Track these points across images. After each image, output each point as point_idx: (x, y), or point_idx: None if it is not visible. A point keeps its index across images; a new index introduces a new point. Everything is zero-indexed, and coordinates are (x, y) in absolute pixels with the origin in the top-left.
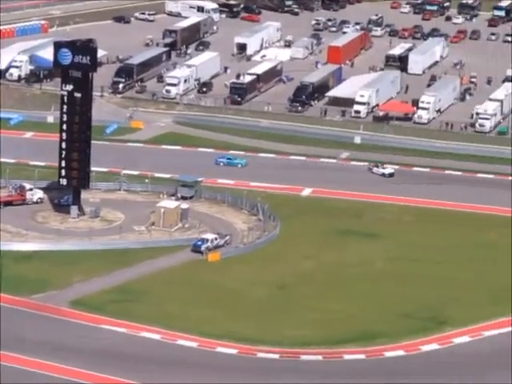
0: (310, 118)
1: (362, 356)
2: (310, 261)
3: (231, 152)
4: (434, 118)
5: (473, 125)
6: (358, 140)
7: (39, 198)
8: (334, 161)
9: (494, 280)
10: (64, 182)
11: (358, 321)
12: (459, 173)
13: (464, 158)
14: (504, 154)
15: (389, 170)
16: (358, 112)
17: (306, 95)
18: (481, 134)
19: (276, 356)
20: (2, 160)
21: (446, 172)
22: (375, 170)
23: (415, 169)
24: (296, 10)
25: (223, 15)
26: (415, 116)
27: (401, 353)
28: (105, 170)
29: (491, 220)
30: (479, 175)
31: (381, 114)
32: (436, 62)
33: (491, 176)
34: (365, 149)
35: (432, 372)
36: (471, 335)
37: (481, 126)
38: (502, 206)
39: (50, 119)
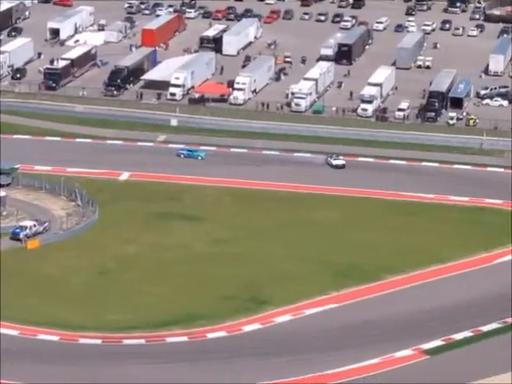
0: (125, 102)
1: (185, 338)
2: (131, 245)
3: (47, 138)
4: (249, 99)
5: (288, 104)
6: (174, 123)
7: None
8: (151, 144)
9: (315, 258)
10: None
11: (180, 304)
12: (277, 152)
13: (281, 137)
14: (319, 133)
15: (339, 161)
16: (173, 94)
17: (121, 79)
18: (297, 114)
19: (98, 341)
20: None
21: (264, 152)
22: (328, 160)
23: (233, 150)
24: None
25: (35, 0)
26: (231, 97)
27: (223, 334)
28: None
29: (310, 199)
30: (296, 154)
31: (196, 95)
32: (250, 43)
33: (308, 155)
34: (181, 131)
35: (254, 352)
36: (293, 314)
37: (296, 105)
38: (318, 184)
39: None
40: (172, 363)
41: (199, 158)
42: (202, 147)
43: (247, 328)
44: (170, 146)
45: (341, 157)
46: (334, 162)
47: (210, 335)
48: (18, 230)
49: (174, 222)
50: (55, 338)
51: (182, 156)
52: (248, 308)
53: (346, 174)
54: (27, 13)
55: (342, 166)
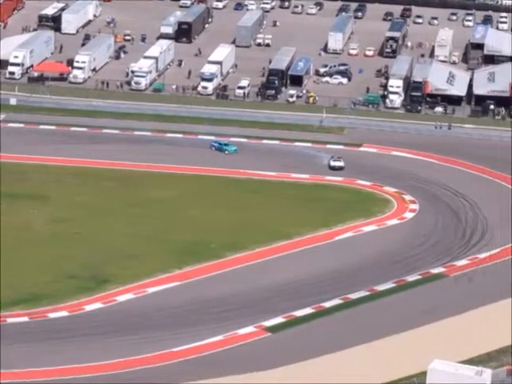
0: None
1: (26, 318)
2: None
3: None
4: (89, 77)
5: (128, 83)
6: (13, 102)
7: None
8: None
9: (157, 237)
10: None
11: (21, 284)
12: (117, 131)
13: (121, 116)
14: (159, 111)
15: (337, 163)
16: (12, 73)
17: None
18: (137, 92)
19: None
20: None
21: (104, 131)
22: (329, 161)
23: (72, 129)
24: None
25: None
26: (70, 76)
27: (64, 313)
28: None
29: (150, 177)
30: (136, 133)
31: (36, 74)
32: (89, 21)
33: (148, 133)
34: (21, 110)
35: (96, 331)
36: (135, 292)
37: (136, 83)
38: (159, 163)
39: None
40: (13, 344)
41: (226, 152)
42: (41, 126)
43: (89, 307)
44: (10, 125)
45: (341, 159)
46: (332, 164)
47: (51, 315)
48: None
49: (15, 201)
50: None
51: (213, 148)
52: (89, 287)
53: (187, 152)
54: None
55: (340, 168)
